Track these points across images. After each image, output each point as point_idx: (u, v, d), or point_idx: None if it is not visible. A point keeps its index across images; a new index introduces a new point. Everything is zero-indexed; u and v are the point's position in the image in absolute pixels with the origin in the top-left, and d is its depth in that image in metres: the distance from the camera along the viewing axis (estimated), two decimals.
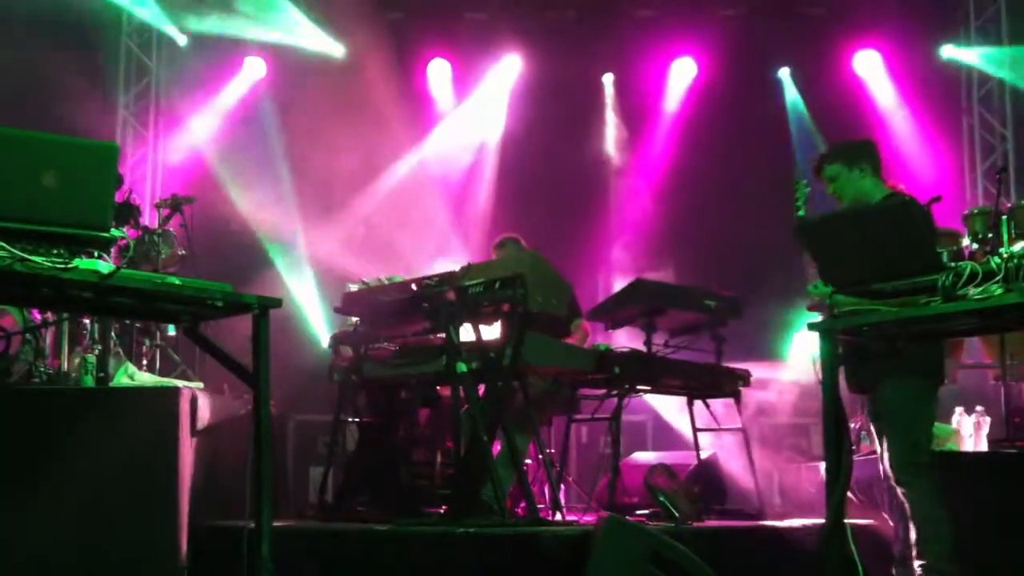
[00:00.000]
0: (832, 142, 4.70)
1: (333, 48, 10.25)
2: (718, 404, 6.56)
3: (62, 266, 3.41)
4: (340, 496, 6.09)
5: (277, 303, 3.93)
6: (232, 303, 3.81)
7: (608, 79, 10.38)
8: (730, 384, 6.42)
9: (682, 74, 10.18)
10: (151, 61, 10.48)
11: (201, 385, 6.25)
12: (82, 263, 3.47)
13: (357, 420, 6.17)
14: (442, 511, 5.45)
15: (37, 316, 5.90)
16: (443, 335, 5.19)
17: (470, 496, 5.18)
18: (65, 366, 5.98)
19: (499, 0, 10.06)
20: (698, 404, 6.56)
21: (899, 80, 10.06)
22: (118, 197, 6.07)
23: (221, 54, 10.26)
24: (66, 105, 8.63)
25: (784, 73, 10.26)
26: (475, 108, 10.52)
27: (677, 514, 5.31)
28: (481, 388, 5.30)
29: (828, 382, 3.94)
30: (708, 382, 6.37)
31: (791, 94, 10.27)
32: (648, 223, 10.16)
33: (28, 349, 5.78)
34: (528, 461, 6.37)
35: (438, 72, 10.33)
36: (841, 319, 3.94)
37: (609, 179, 10.43)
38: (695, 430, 6.54)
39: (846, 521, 3.88)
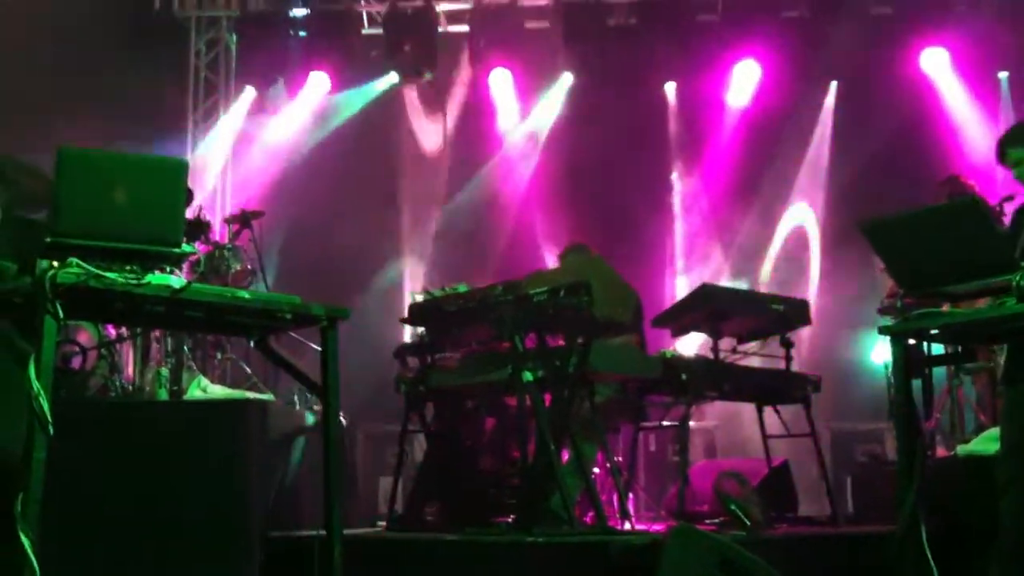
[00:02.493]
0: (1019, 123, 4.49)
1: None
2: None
3: (135, 282, 3.48)
4: (409, 506, 6.13)
5: (345, 314, 3.97)
6: (300, 315, 3.86)
7: (670, 87, 10.30)
8: (800, 390, 6.33)
9: (745, 77, 10.06)
10: (219, 77, 10.68)
11: (272, 397, 6.34)
12: (154, 278, 3.54)
13: (424, 430, 6.19)
14: (510, 520, 5.45)
15: (111, 331, 6.03)
16: (508, 344, 5.20)
17: (538, 505, 5.18)
18: (139, 380, 6.11)
19: (559, 9, 10.04)
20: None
21: (967, 77, 9.88)
22: (189, 213, 6.20)
23: (286, 70, 10.42)
24: (142, 121, 8.86)
25: (832, 86, 10.13)
26: (539, 117, 10.54)
27: (748, 522, 5.25)
28: (547, 396, 5.30)
29: (900, 385, 3.87)
30: (777, 388, 6.29)
31: (827, 109, 10.15)
32: (714, 229, 10.13)
33: (103, 364, 5.91)
34: (596, 470, 6.35)
35: (500, 81, 10.33)
36: (911, 321, 3.87)
37: (674, 185, 10.37)
38: (765, 436, 6.46)
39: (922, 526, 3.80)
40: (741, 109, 10.15)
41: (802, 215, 10.21)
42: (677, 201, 10.32)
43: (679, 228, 10.27)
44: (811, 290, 9.77)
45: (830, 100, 10.18)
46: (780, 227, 10.11)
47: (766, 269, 10.00)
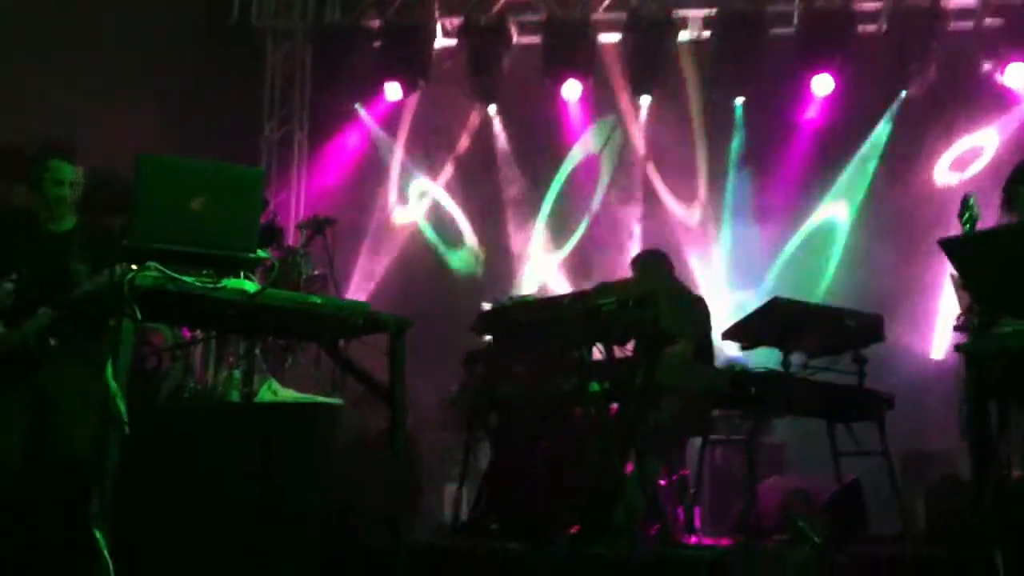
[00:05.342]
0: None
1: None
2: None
3: (211, 286, 3.56)
4: (473, 515, 6.14)
5: (410, 323, 4.02)
6: (370, 322, 3.91)
7: (739, 101, 10.19)
8: (873, 407, 6.22)
9: (818, 90, 9.88)
10: (294, 88, 10.83)
11: (341, 402, 6.40)
12: (229, 283, 3.61)
13: (489, 439, 6.21)
14: (574, 532, 5.44)
15: (187, 334, 6.14)
16: (576, 354, 5.20)
17: (602, 518, 5.16)
18: (212, 382, 6.22)
19: (631, 24, 10.01)
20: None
21: None
22: (262, 219, 6.29)
23: (361, 81, 10.52)
24: (217, 128, 9.03)
25: (901, 95, 9.93)
26: (610, 128, 10.52)
27: (816, 540, 5.18)
28: (613, 408, 5.28)
29: (974, 405, 3.79)
30: (849, 405, 6.18)
31: (885, 122, 9.99)
32: (783, 244, 10.04)
33: (178, 366, 6.03)
34: (662, 483, 6.31)
35: (572, 92, 10.29)
36: (991, 340, 3.78)
37: (742, 199, 10.28)
38: (835, 454, 6.35)
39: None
40: (810, 122, 10.01)
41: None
42: (748, 213, 10.21)
43: (728, 239, 10.18)
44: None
45: (893, 109, 10.00)
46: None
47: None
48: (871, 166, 9.97)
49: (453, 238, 10.54)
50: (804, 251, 9.99)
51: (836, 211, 10.06)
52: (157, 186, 3.65)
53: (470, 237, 10.52)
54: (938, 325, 9.28)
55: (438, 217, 10.66)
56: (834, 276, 9.81)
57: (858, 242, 9.84)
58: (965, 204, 4.33)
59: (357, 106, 10.56)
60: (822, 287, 9.72)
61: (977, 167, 9.61)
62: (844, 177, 10.02)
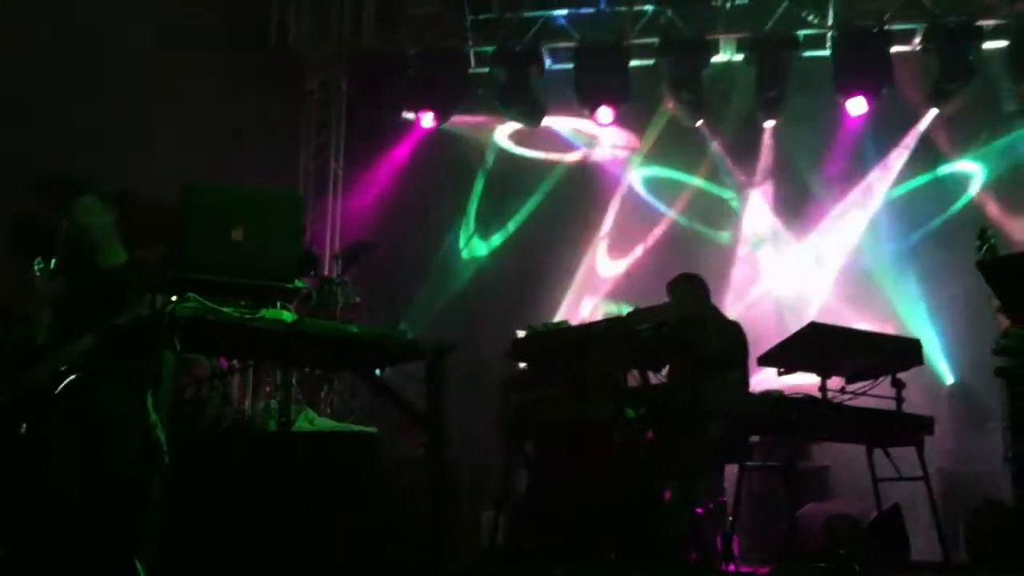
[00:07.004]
0: None
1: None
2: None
3: (250, 316, 3.59)
4: (511, 539, 6.13)
5: (451, 348, 4.03)
6: (408, 349, 3.93)
7: (769, 124, 10.15)
8: (912, 431, 6.16)
9: (851, 111, 9.84)
10: (331, 112, 10.91)
11: (376, 430, 6.43)
12: (267, 313, 3.64)
13: (526, 464, 6.20)
14: (612, 557, 5.42)
15: (225, 363, 6.19)
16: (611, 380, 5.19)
17: (641, 542, 5.14)
18: (249, 412, 6.26)
19: (663, 46, 10.04)
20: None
21: None
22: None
23: (396, 108, 10.59)
24: (251, 155, 9.08)
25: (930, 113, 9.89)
26: (641, 153, 10.56)
27: (857, 567, 5.12)
28: (651, 432, 5.27)
29: (1018, 427, 3.76)
30: (888, 430, 6.12)
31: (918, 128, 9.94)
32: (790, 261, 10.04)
33: (216, 396, 6.07)
34: (698, 509, 6.27)
35: (604, 118, 10.31)
36: None
37: (767, 217, 10.26)
38: (875, 480, 6.29)
39: None
40: (842, 143, 9.99)
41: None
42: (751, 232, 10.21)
43: (786, 265, 10.14)
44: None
45: (921, 128, 9.96)
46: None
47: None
48: (888, 185, 9.99)
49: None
50: (809, 271, 10.01)
51: (850, 228, 10.05)
52: (202, 214, 3.66)
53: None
54: (947, 349, 9.29)
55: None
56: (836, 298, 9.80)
57: (874, 262, 9.79)
58: (983, 235, 4.32)
59: (408, 114, 10.54)
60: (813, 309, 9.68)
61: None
62: (858, 195, 10.03)
